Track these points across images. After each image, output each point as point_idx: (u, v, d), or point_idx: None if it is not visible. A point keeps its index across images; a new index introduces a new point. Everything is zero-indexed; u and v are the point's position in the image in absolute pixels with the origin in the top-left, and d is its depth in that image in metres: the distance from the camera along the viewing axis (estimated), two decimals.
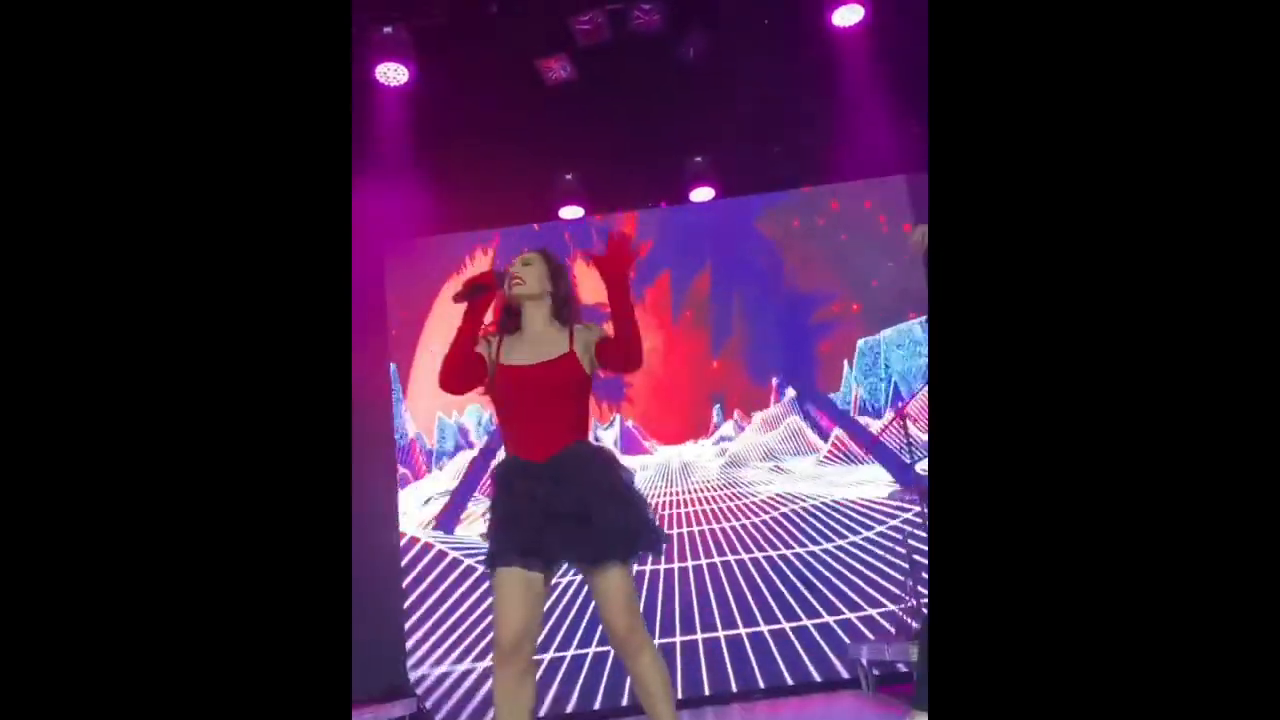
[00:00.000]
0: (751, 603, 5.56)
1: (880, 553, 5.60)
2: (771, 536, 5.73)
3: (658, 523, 2.24)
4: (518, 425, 2.24)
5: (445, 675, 5.44)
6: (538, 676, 2.17)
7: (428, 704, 5.38)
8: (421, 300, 6.20)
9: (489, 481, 2.29)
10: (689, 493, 5.90)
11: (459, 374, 2.21)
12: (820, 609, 5.51)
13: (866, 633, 5.39)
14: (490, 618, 2.14)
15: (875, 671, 4.93)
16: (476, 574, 5.51)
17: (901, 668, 5.01)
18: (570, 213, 6.30)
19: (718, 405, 6.07)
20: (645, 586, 5.52)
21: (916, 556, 5.05)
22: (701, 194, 6.31)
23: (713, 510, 5.84)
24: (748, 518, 5.79)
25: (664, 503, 5.87)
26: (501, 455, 2.30)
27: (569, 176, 6.22)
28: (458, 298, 2.23)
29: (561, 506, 2.11)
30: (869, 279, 6.11)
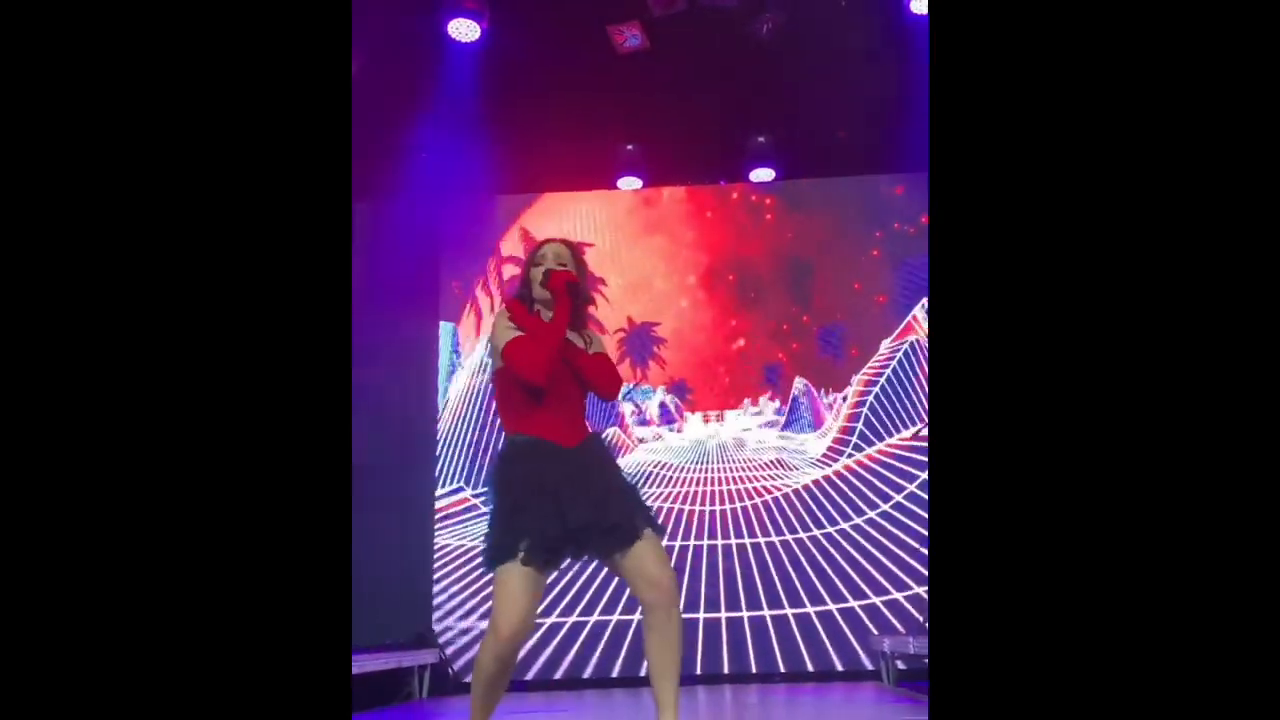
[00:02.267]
0: (779, 586, 5.57)
1: (910, 530, 5.57)
2: (793, 517, 5.73)
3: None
4: (554, 409, 2.20)
5: (467, 630, 5.52)
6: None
7: (448, 652, 5.47)
8: (476, 259, 6.24)
9: (496, 464, 2.23)
10: (729, 468, 5.91)
11: (551, 368, 2.15)
12: (846, 593, 5.51)
13: (895, 621, 5.38)
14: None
15: (899, 664, 4.93)
16: None
17: (926, 661, 5.00)
18: (628, 183, 6.29)
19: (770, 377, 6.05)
20: (674, 560, 5.56)
21: None
22: (761, 174, 6.27)
23: (747, 489, 5.84)
24: (767, 495, 5.79)
25: (709, 478, 5.88)
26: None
27: (630, 147, 6.21)
28: (561, 293, 2.19)
29: (593, 491, 2.12)
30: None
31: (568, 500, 2.10)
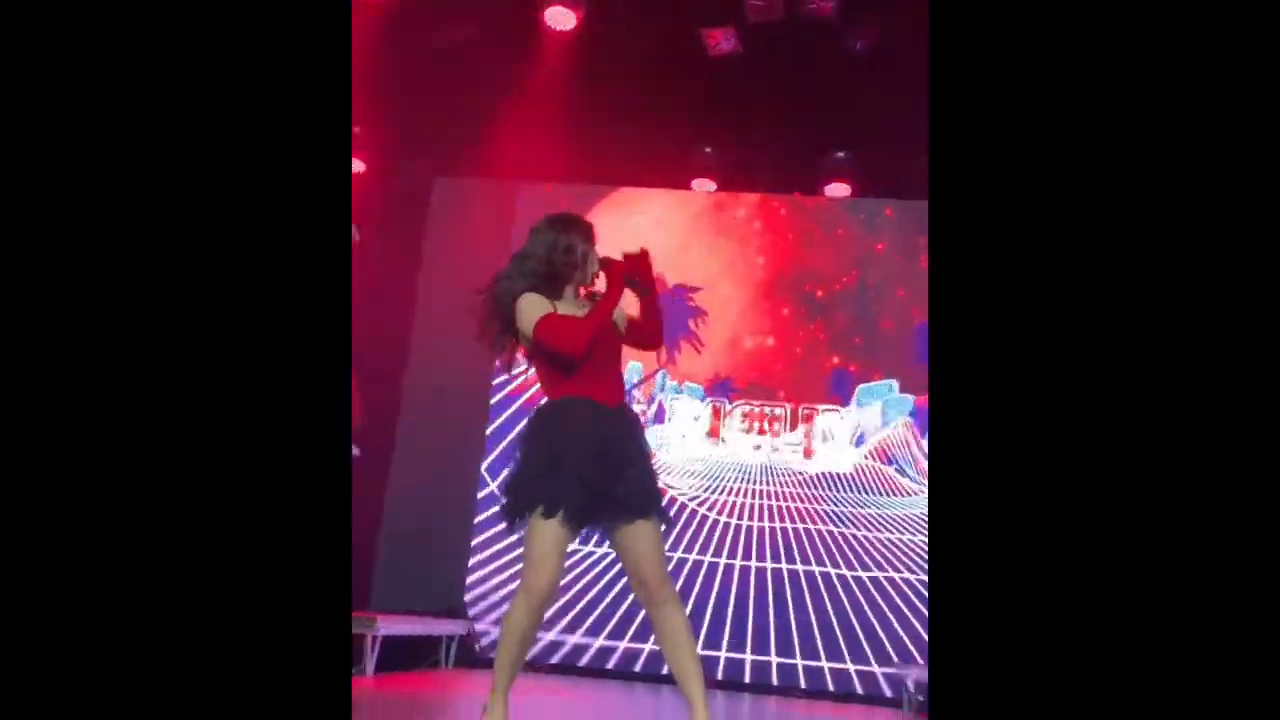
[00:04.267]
0: (810, 607, 5.55)
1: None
2: (838, 553, 5.70)
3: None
4: (599, 368, 2.32)
5: (497, 604, 5.59)
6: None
7: (477, 626, 5.55)
8: None
9: (532, 420, 2.36)
10: (770, 486, 5.90)
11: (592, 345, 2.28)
12: (872, 617, 5.47)
13: (917, 655, 5.33)
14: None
15: (920, 696, 4.88)
16: None
17: None
18: (701, 185, 6.31)
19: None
20: (701, 577, 5.57)
21: None
22: (836, 189, 6.24)
23: (790, 509, 5.83)
24: (823, 524, 5.77)
25: (742, 490, 5.88)
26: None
27: (708, 149, 6.22)
28: (617, 280, 2.35)
29: (625, 453, 2.25)
30: None
31: (594, 462, 2.20)
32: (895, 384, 5.96)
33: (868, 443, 5.90)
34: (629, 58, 5.35)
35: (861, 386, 6.01)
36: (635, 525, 2.22)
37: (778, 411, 6.04)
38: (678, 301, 6.20)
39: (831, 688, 5.35)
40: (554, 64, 5.34)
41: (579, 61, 5.35)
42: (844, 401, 5.99)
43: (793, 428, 5.99)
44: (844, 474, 5.89)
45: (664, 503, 2.32)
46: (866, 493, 5.83)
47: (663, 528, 2.29)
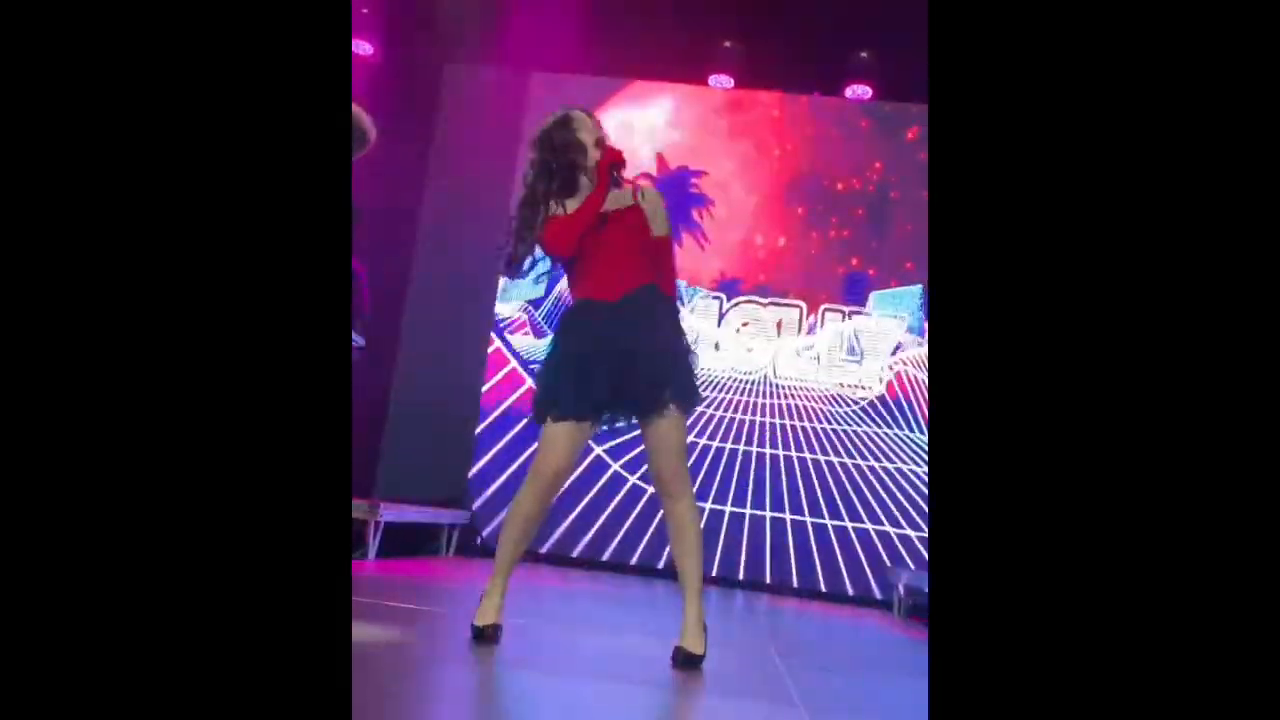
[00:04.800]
0: (803, 500, 5.64)
1: None
2: (844, 443, 5.75)
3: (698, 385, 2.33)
4: (593, 267, 2.29)
5: (496, 494, 5.69)
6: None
7: (479, 517, 5.67)
8: None
9: (557, 324, 2.39)
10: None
11: (574, 241, 2.26)
12: (865, 518, 5.57)
13: (908, 559, 5.44)
14: None
15: (910, 600, 5.01)
16: None
17: None
18: (719, 81, 6.13)
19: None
20: (708, 460, 5.64)
21: None
22: (858, 91, 6.06)
23: (805, 407, 5.86)
24: (832, 422, 5.80)
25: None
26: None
27: (727, 44, 6.02)
28: (604, 174, 2.29)
29: (629, 344, 2.20)
30: None
31: (596, 364, 2.19)
32: (920, 289, 5.87)
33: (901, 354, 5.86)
34: None
35: (877, 293, 5.94)
36: (649, 418, 2.21)
37: (790, 314, 6.00)
38: (681, 186, 6.07)
39: (824, 588, 5.49)
40: None
41: None
42: (856, 304, 5.95)
43: (807, 333, 5.97)
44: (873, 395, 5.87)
45: (692, 389, 2.26)
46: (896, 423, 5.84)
47: (684, 417, 2.24)
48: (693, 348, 2.37)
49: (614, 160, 2.33)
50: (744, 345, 5.97)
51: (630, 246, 2.30)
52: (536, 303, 6.02)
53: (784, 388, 5.89)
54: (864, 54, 5.95)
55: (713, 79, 6.12)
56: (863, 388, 5.85)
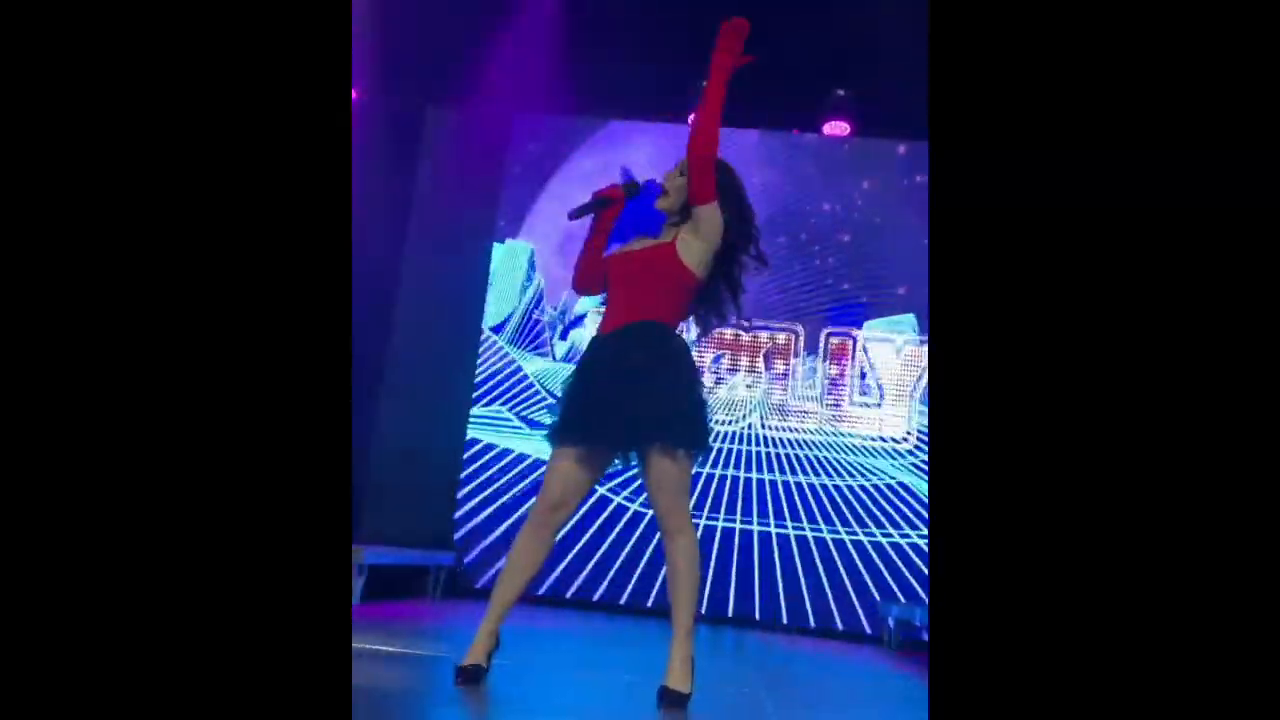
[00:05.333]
0: (793, 541, 5.61)
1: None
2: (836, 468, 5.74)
3: (710, 427, 2.28)
4: (607, 306, 2.34)
5: (484, 539, 5.64)
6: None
7: (465, 559, 5.61)
8: (536, 177, 6.21)
9: None
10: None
11: (588, 278, 2.44)
12: (855, 555, 5.55)
13: (898, 593, 5.42)
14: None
15: (901, 634, 4.98)
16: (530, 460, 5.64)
17: (927, 636, 5.04)
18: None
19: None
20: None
21: None
22: (835, 128, 6.15)
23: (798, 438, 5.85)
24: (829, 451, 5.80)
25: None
26: None
27: (705, 82, 6.10)
28: (582, 211, 2.39)
29: (619, 379, 2.18)
30: None
31: (585, 391, 2.22)
32: (913, 318, 5.87)
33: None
34: None
35: (871, 322, 5.92)
36: (650, 452, 2.18)
37: (780, 339, 5.98)
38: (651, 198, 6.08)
39: (813, 623, 5.45)
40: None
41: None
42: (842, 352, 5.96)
43: (805, 359, 5.91)
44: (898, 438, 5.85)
45: (691, 428, 2.21)
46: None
47: (690, 455, 2.20)
48: (705, 389, 2.38)
49: (600, 196, 2.41)
50: (724, 384, 5.90)
51: (646, 283, 2.27)
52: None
53: (778, 439, 5.85)
54: (841, 91, 6.04)
55: (691, 118, 6.19)
56: (892, 441, 5.77)
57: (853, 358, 5.88)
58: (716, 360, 5.89)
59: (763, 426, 5.85)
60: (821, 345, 5.93)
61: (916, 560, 5.50)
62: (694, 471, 2.27)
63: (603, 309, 2.38)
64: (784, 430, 5.83)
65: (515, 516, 5.57)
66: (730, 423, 5.82)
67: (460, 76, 5.88)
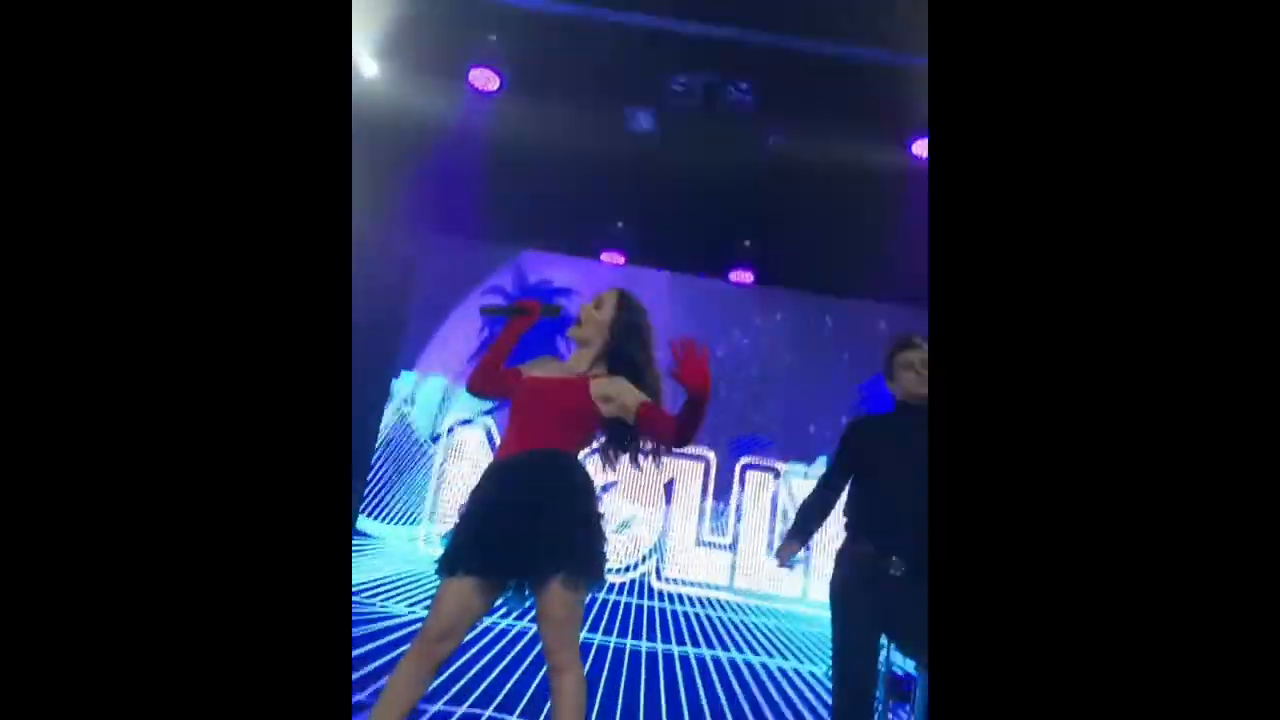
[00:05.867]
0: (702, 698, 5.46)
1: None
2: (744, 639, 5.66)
3: (605, 560, 2.20)
4: (509, 429, 2.31)
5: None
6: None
7: None
8: (444, 303, 6.22)
9: None
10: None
11: (486, 381, 2.43)
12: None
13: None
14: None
15: None
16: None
17: None
18: (610, 259, 6.37)
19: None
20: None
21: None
22: (740, 276, 6.40)
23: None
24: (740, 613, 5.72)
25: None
26: None
27: (620, 224, 6.31)
28: (495, 311, 2.49)
29: (507, 508, 2.14)
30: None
31: (475, 520, 2.16)
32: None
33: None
34: (548, 125, 5.41)
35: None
36: (545, 583, 2.11)
37: (683, 463, 5.96)
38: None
39: None
40: (473, 123, 5.35)
41: (497, 125, 5.38)
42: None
43: (714, 495, 5.88)
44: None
45: (588, 560, 2.15)
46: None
47: (580, 589, 2.13)
48: (601, 519, 2.24)
49: (516, 306, 2.47)
50: (616, 517, 5.83)
51: (546, 412, 2.27)
52: None
53: (678, 595, 5.78)
54: (747, 242, 6.32)
55: (605, 255, 6.36)
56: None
57: (774, 500, 5.79)
58: (606, 489, 5.81)
59: (658, 577, 5.75)
60: (736, 479, 5.92)
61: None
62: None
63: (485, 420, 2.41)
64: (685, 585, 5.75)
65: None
66: (620, 570, 5.70)
67: (381, 199, 5.92)
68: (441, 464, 5.85)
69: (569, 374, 2.36)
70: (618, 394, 2.29)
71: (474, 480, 2.30)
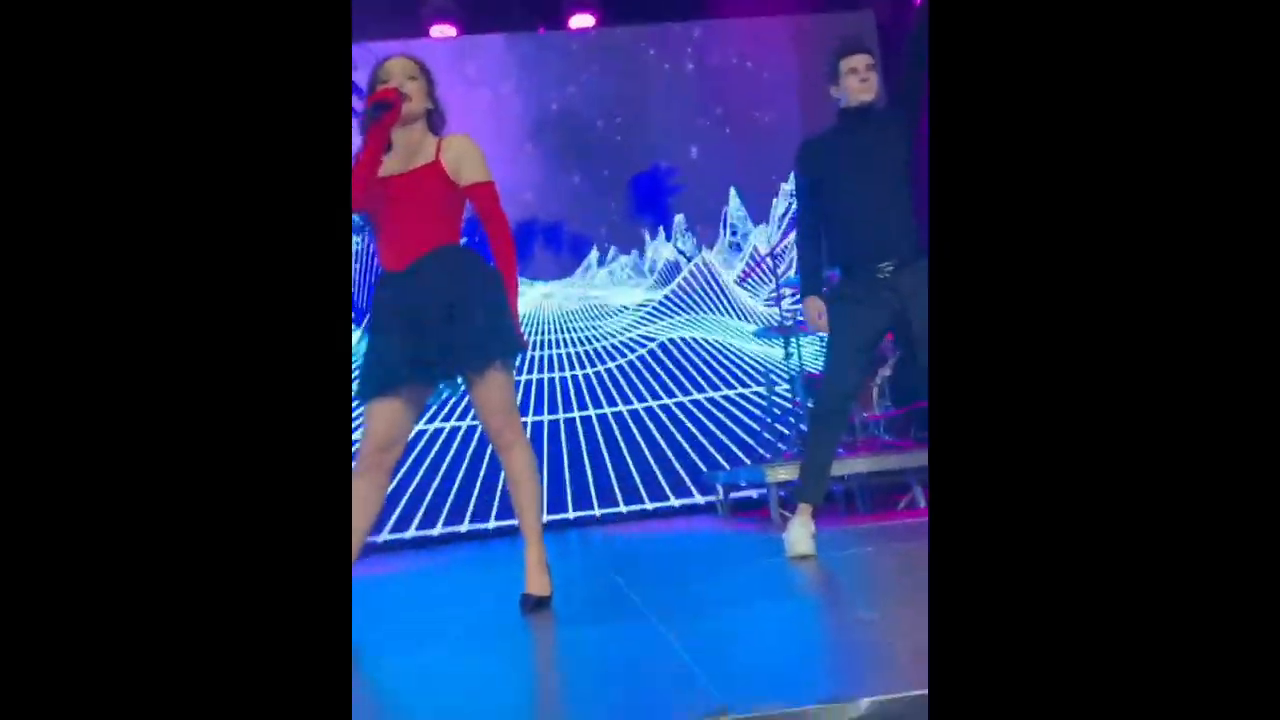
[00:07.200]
0: (615, 429, 5.78)
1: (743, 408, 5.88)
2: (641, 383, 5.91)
3: (518, 330, 2.25)
4: (383, 236, 2.24)
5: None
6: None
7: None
8: None
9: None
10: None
11: (370, 195, 2.19)
12: (677, 434, 5.80)
13: (722, 461, 5.73)
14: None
15: (730, 496, 5.29)
16: None
17: (754, 495, 5.39)
18: (441, 31, 5.96)
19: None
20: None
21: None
22: (581, 20, 6.09)
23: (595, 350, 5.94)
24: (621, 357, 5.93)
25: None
26: None
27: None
28: (364, 119, 2.20)
29: (425, 313, 2.14)
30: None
31: (398, 336, 2.14)
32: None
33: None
34: None
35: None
36: (473, 375, 2.17)
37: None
38: (656, 181, 6.00)
39: (649, 505, 5.69)
40: None
41: None
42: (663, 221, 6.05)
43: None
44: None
45: (506, 342, 2.19)
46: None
47: (509, 368, 2.20)
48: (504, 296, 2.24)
49: (376, 102, 2.18)
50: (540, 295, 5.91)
51: (421, 210, 2.20)
52: None
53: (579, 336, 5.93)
54: None
55: (434, 29, 5.94)
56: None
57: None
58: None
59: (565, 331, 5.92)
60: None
61: (740, 415, 5.82)
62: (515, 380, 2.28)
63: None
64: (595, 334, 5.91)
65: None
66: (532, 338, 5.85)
67: None
68: None
69: (413, 162, 2.25)
70: (457, 159, 2.25)
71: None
